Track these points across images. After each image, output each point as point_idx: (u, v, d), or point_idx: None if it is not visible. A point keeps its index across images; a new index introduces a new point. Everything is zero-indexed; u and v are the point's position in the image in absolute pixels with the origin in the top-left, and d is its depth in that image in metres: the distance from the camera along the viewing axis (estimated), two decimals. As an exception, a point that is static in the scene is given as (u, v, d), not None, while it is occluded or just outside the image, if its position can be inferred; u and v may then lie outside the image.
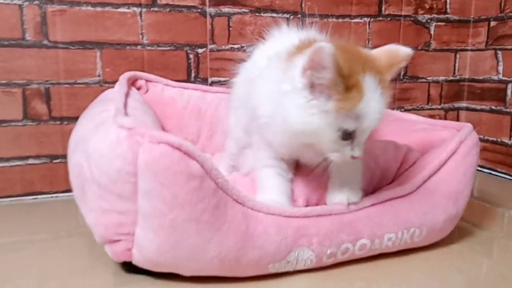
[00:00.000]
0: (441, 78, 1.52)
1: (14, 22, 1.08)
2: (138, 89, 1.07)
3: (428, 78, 1.51)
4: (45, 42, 1.11)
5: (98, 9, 1.14)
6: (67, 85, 1.14)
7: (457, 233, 0.94)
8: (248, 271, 0.72)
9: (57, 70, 1.13)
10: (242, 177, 0.85)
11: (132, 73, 1.05)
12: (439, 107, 1.54)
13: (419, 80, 1.50)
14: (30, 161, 1.14)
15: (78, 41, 1.13)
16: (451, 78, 1.53)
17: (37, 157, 1.14)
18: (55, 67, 1.12)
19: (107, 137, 0.68)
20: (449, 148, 0.85)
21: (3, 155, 1.11)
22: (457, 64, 1.53)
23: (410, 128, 1.01)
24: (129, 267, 0.75)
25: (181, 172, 0.63)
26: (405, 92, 1.49)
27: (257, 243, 0.69)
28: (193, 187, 0.64)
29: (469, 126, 0.89)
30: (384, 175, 0.87)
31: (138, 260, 0.70)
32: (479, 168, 1.51)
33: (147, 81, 1.10)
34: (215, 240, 0.67)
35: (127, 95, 0.93)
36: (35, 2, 1.09)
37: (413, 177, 0.84)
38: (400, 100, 1.49)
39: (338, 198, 0.77)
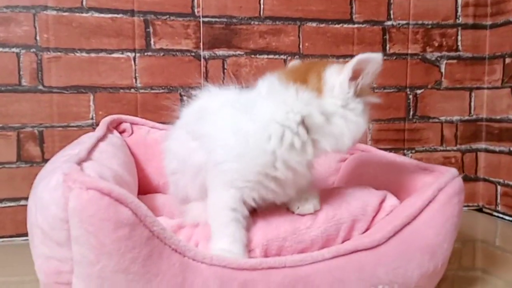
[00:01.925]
0: (456, 117, 1.43)
1: (11, 69, 1.14)
2: (122, 132, 1.08)
3: (440, 118, 1.42)
4: (40, 87, 1.15)
5: (93, 55, 1.18)
6: (60, 128, 1.17)
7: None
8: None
9: (51, 113, 1.16)
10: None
11: (114, 116, 1.07)
12: (454, 148, 1.44)
13: (430, 120, 1.41)
14: (23, 202, 1.16)
15: (72, 86, 1.17)
16: (466, 117, 1.44)
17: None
18: (49, 111, 1.16)
19: (50, 182, 0.68)
20: (426, 195, 0.77)
21: (-5, 196, 1.15)
22: (472, 103, 1.43)
23: (394, 171, 0.94)
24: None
25: (109, 219, 0.61)
26: (415, 132, 1.40)
27: (195, 299, 0.65)
28: (122, 235, 0.61)
29: (451, 171, 0.81)
30: (354, 224, 0.80)
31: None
32: (501, 216, 1.38)
33: (132, 124, 1.11)
34: (146, 293, 0.63)
35: (101, 138, 0.93)
36: (31, 50, 1.14)
37: (384, 227, 0.76)
38: (411, 141, 1.40)
39: (306, 207, 0.76)
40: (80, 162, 0.74)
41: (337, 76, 0.72)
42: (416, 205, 0.77)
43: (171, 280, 0.64)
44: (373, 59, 0.70)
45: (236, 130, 0.73)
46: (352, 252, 0.73)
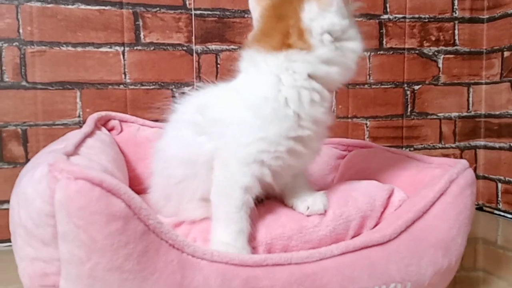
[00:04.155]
0: (454, 114, 1.40)
1: (-8, 64, 1.07)
2: (111, 130, 1.02)
3: (439, 114, 1.39)
4: (24, 83, 1.09)
5: (79, 49, 1.12)
6: (45, 127, 1.11)
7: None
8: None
9: (35, 111, 1.10)
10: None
11: (102, 113, 1.01)
12: (453, 145, 1.41)
13: (429, 117, 1.38)
14: (5, 206, 1.09)
15: (57, 82, 1.11)
16: (465, 114, 1.41)
17: (12, 200, 1.10)
18: (33, 108, 1.10)
19: (34, 175, 0.62)
20: (437, 187, 0.73)
21: (-24, 199, 1.08)
22: (470, 99, 1.41)
23: (399, 165, 0.90)
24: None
25: (100, 212, 0.55)
26: (413, 129, 1.37)
27: (195, 298, 0.59)
28: (115, 229, 0.56)
29: (462, 162, 0.77)
30: (364, 221, 0.75)
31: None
32: (503, 214, 1.34)
33: (121, 121, 1.05)
34: (143, 293, 0.57)
35: (89, 135, 0.88)
36: (14, 44, 1.08)
37: (394, 222, 0.72)
38: (409, 139, 1.37)
39: (317, 207, 0.73)
40: (67, 156, 0.68)
41: (321, 18, 0.67)
42: (427, 198, 0.72)
43: (168, 278, 0.58)
44: None
45: (249, 105, 0.69)
46: (361, 248, 0.68)
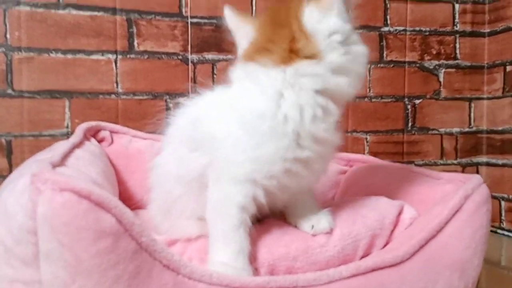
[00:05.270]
0: (456, 129, 1.36)
1: (-24, 70, 1.02)
2: (101, 141, 0.96)
3: (440, 129, 1.35)
4: (9, 91, 1.04)
5: (69, 56, 1.07)
6: (31, 138, 1.05)
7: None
8: None
9: (21, 121, 1.04)
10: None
11: (92, 123, 0.96)
12: (455, 162, 1.37)
13: (430, 132, 1.34)
14: (-15, 220, 1.02)
15: (45, 90, 1.06)
16: (466, 129, 1.37)
17: (-7, 215, 1.03)
18: (18, 118, 1.04)
19: (15, 187, 0.57)
20: (451, 204, 0.68)
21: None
22: (472, 114, 1.37)
23: (406, 181, 0.85)
24: None
25: (88, 228, 0.50)
26: (414, 145, 1.33)
27: (192, 325, 0.53)
28: (104, 247, 0.50)
29: (477, 177, 0.72)
30: (373, 240, 0.70)
31: None
32: (506, 233, 1.30)
33: (112, 132, 0.99)
34: (133, 320, 0.51)
35: (77, 145, 0.82)
36: (0, 50, 1.03)
37: (407, 242, 0.67)
38: (409, 154, 1.33)
39: (322, 226, 0.68)
40: (52, 166, 0.62)
41: (325, 22, 0.63)
42: (441, 215, 0.67)
43: (163, 304, 0.52)
44: None
45: (244, 121, 0.63)
46: (373, 270, 0.63)
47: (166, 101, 1.14)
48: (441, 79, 1.34)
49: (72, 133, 1.06)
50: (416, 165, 1.33)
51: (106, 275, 0.50)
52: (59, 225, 0.49)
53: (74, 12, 1.07)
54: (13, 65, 1.04)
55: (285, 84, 0.63)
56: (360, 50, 0.66)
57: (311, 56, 0.63)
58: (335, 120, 0.66)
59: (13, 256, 0.55)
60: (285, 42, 0.63)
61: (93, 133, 0.96)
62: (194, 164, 0.67)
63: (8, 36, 1.03)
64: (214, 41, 1.16)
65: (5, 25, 1.03)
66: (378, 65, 1.29)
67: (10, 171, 1.03)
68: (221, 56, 1.17)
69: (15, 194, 0.56)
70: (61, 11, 1.06)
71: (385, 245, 0.71)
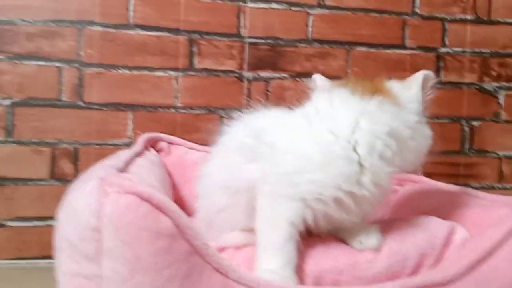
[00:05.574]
0: (516, 153, 1.32)
1: (52, 83, 1.11)
2: (159, 151, 1.02)
3: (499, 152, 1.31)
4: (80, 103, 1.12)
5: (135, 72, 1.15)
6: (96, 146, 1.13)
7: None
8: None
9: (89, 130, 1.13)
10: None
11: (153, 134, 1.02)
12: (514, 187, 1.32)
13: (488, 155, 1.30)
14: (50, 222, 1.10)
15: (112, 103, 1.14)
16: (528, 154, 1.32)
17: (59, 218, 1.11)
18: (86, 128, 1.12)
19: (84, 188, 0.62)
20: (506, 227, 0.66)
21: (24, 214, 1.10)
22: (533, 138, 1.32)
23: (460, 203, 0.83)
24: None
25: (147, 229, 0.54)
26: (471, 167, 1.30)
27: (238, 328, 0.56)
28: (161, 247, 0.54)
29: (534, 200, 0.70)
30: (422, 259, 0.69)
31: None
32: None
33: (170, 143, 1.05)
34: (183, 318, 0.54)
35: (139, 154, 0.88)
36: (74, 65, 1.12)
37: (458, 262, 0.65)
38: (466, 177, 1.29)
39: (370, 242, 0.68)
40: (118, 171, 0.68)
41: (406, 91, 0.71)
42: (494, 238, 0.66)
43: (211, 305, 0.55)
44: (432, 76, 0.73)
45: (313, 139, 0.65)
46: (420, 288, 0.62)
47: (220, 115, 1.19)
48: (501, 101, 1.31)
49: (133, 143, 1.14)
50: (472, 188, 1.29)
51: (161, 273, 0.54)
52: (122, 225, 0.54)
53: (142, 32, 1.15)
54: (85, 79, 1.13)
55: (365, 113, 0.66)
56: (427, 132, 0.72)
57: (394, 102, 0.68)
58: (395, 170, 0.68)
59: (77, 252, 0.60)
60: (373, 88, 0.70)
61: (152, 144, 1.02)
62: (245, 175, 0.69)
63: (81, 53, 1.13)
64: (269, 60, 1.20)
65: (79, 43, 1.13)
66: (435, 86, 1.28)
67: (76, 176, 1.11)
68: (275, 74, 1.21)
69: (83, 195, 0.61)
70: (130, 31, 1.14)
71: (434, 265, 0.70)
